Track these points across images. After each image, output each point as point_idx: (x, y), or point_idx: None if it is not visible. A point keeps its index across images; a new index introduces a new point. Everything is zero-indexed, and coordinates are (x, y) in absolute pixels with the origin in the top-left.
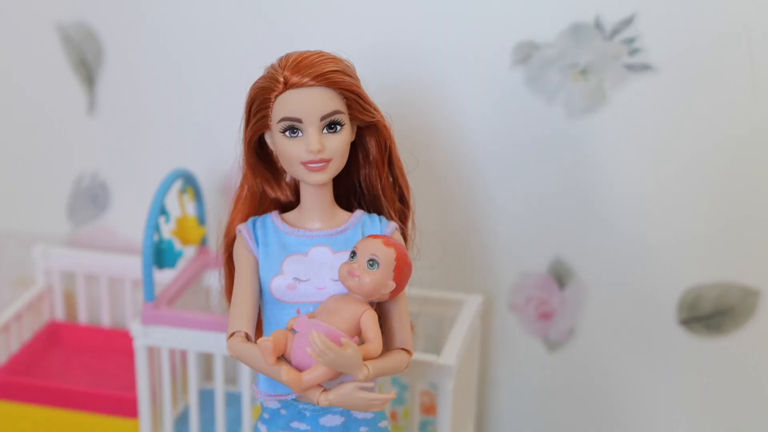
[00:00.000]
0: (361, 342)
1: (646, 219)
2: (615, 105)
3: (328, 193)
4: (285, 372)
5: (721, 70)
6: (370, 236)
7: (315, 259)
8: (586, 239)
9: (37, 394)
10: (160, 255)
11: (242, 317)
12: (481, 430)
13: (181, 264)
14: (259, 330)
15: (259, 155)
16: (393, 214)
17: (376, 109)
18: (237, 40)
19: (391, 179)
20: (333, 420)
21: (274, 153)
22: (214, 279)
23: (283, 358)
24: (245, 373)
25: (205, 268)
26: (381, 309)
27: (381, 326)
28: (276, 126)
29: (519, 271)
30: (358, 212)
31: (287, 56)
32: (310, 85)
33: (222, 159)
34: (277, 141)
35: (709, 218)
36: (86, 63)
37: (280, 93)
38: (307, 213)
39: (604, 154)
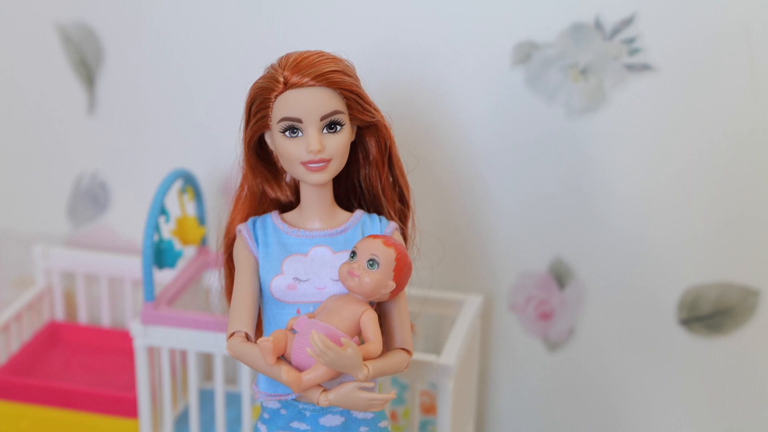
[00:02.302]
0: (361, 342)
1: (646, 219)
2: (615, 105)
3: (328, 193)
4: (285, 372)
5: (721, 70)
6: (370, 236)
7: (315, 259)
8: (586, 239)
9: (37, 394)
10: (160, 255)
11: (242, 317)
12: (481, 430)
13: (181, 264)
14: (259, 330)
15: (259, 155)
16: (393, 214)
17: (376, 109)
18: (237, 40)
19: (391, 179)
20: (333, 420)
21: (274, 153)
22: (214, 279)
23: (283, 358)
24: (245, 373)
25: (205, 268)
26: (381, 309)
27: (381, 326)
28: (276, 126)
29: (519, 271)
30: (358, 212)
31: (287, 56)
32: (310, 85)
33: (222, 159)
34: (277, 141)
35: (709, 218)
36: (86, 63)
37: (280, 93)
38: (307, 213)
39: (604, 154)
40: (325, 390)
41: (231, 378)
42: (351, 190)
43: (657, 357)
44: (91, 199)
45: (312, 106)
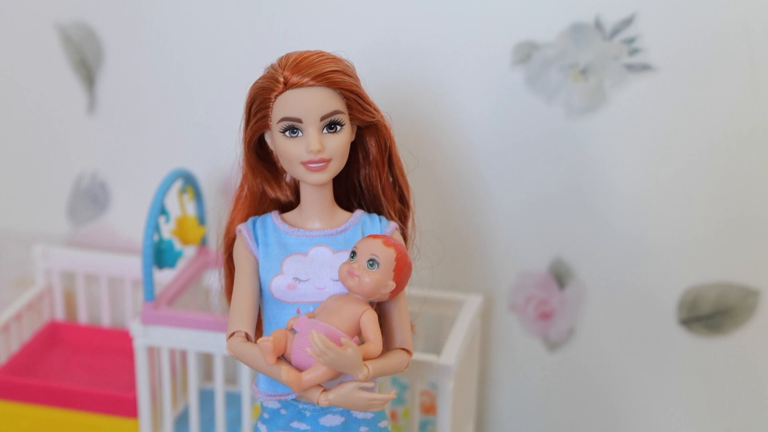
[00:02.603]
0: (361, 342)
1: (646, 219)
2: (615, 105)
3: (328, 193)
4: (285, 372)
5: (721, 70)
6: (370, 236)
7: (315, 259)
8: (586, 239)
9: (37, 394)
10: (160, 255)
11: (242, 317)
12: (481, 430)
13: (181, 264)
14: (259, 330)
15: (259, 155)
16: (393, 214)
17: (376, 109)
18: (237, 40)
19: (391, 179)
20: (333, 420)
21: (274, 153)
22: (214, 279)
23: (283, 358)
24: (245, 373)
25: (205, 268)
26: (381, 309)
27: (381, 326)
28: (276, 126)
29: (519, 271)
30: (358, 212)
31: (287, 56)
32: (310, 85)
33: (222, 159)
34: (277, 141)
35: (709, 218)
36: (86, 63)
37: (280, 93)
38: (307, 213)
39: (604, 154)
40: (325, 390)
41: (231, 378)
42: (351, 190)
43: (657, 357)
44: (91, 199)
45: (312, 106)
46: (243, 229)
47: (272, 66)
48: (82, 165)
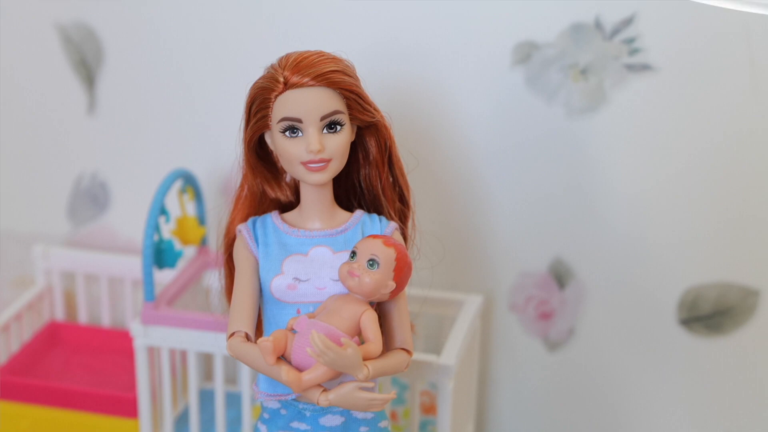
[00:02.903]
0: (361, 342)
1: (646, 219)
2: (615, 105)
3: (328, 193)
4: (285, 372)
5: (721, 70)
6: (370, 236)
7: (315, 259)
8: (586, 239)
9: (37, 394)
10: (160, 255)
11: (242, 317)
12: (481, 430)
13: (181, 264)
14: (259, 330)
15: (259, 155)
16: (393, 214)
17: (376, 109)
18: (237, 40)
19: (391, 179)
20: (333, 420)
21: (274, 153)
22: (214, 279)
23: (283, 358)
24: (245, 373)
25: (205, 268)
26: (381, 309)
27: (381, 326)
28: (276, 126)
29: (519, 271)
30: (358, 212)
31: (287, 56)
32: (310, 85)
33: (222, 159)
34: (277, 141)
35: (709, 218)
36: (86, 63)
37: (280, 93)
38: (307, 213)
39: (604, 154)
40: (325, 390)
41: (231, 378)
42: (351, 190)
43: (657, 357)
44: (91, 199)
45: (312, 106)
46: (243, 229)
47: (272, 66)
48: (82, 165)
